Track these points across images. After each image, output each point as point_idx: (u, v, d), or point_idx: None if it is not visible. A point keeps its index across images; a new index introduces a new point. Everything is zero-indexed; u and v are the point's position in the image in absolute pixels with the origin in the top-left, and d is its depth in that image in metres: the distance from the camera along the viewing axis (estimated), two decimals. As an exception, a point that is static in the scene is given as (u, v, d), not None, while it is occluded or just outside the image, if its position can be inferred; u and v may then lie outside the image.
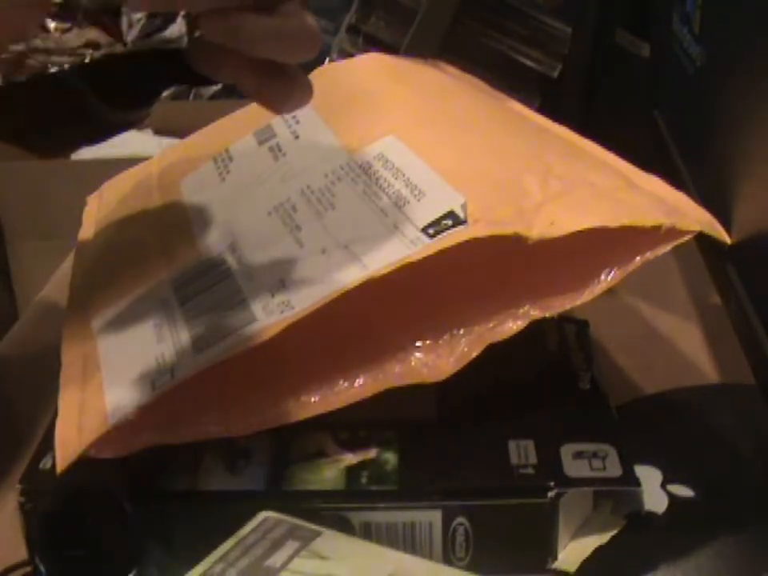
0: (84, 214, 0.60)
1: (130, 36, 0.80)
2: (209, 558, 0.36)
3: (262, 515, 0.39)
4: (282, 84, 0.39)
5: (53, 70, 0.44)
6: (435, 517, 0.41)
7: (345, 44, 0.67)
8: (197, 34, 0.36)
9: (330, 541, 0.37)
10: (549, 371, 0.49)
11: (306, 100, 0.40)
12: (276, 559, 0.36)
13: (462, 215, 0.41)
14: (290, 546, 0.37)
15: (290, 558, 0.36)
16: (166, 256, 0.49)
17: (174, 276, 0.47)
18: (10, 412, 0.53)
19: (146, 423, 0.41)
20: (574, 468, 0.42)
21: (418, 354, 0.43)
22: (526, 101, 0.60)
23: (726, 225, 0.45)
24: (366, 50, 0.64)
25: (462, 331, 0.43)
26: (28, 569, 0.42)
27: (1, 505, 0.46)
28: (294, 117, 0.55)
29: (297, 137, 0.53)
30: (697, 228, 0.43)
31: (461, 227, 0.41)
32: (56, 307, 0.54)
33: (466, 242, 0.40)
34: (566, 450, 0.43)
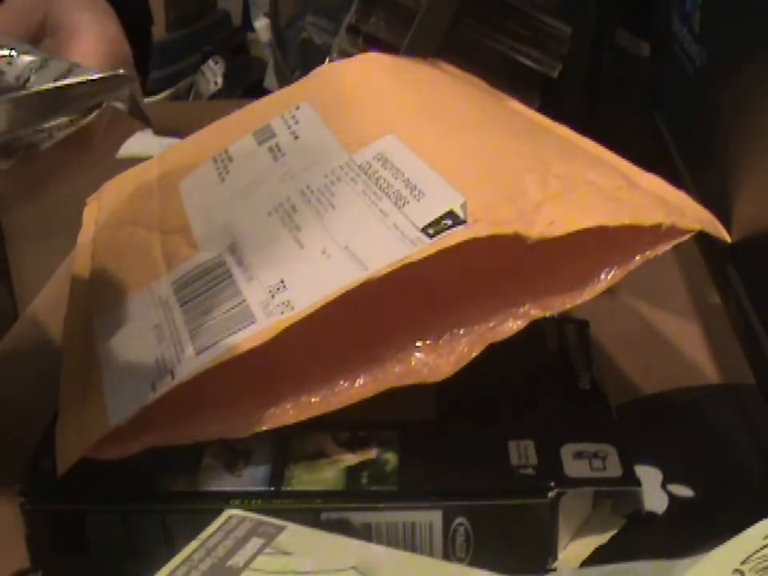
0: (84, 214, 0.60)
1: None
2: (173, 561, 0.36)
3: (227, 513, 0.39)
4: None
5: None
6: (435, 517, 0.41)
7: (345, 44, 0.67)
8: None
9: (295, 535, 0.37)
10: (549, 371, 0.49)
11: None
12: (239, 558, 0.36)
13: (461, 215, 0.41)
14: (254, 543, 0.37)
15: (254, 556, 0.36)
16: (165, 257, 0.49)
17: (173, 277, 0.47)
18: (9, 412, 0.53)
19: (147, 424, 0.41)
20: (574, 468, 0.42)
21: (418, 354, 0.43)
22: (525, 101, 0.60)
23: (726, 225, 0.45)
24: (365, 50, 0.64)
25: (461, 331, 0.43)
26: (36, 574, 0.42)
27: (1, 505, 0.46)
28: (293, 117, 0.55)
29: (296, 137, 0.53)
30: (697, 227, 0.43)
31: (461, 227, 0.41)
32: (56, 307, 0.54)
33: (466, 241, 0.40)
34: (566, 450, 0.43)
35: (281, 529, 0.38)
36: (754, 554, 0.31)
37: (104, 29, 0.41)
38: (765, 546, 0.32)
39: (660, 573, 0.36)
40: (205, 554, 0.36)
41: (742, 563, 0.31)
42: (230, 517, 0.39)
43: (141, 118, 0.38)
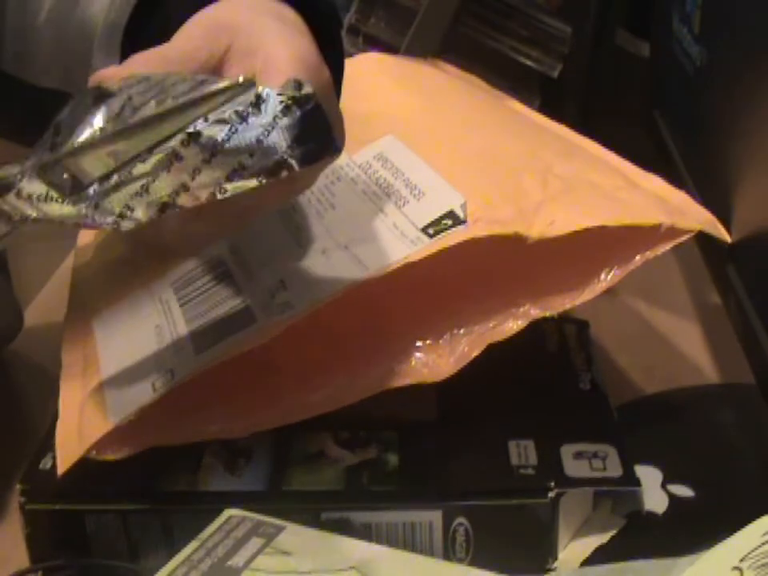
0: (84, 215, 0.60)
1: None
2: (173, 561, 0.36)
3: (227, 513, 0.39)
4: None
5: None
6: (435, 517, 0.41)
7: (345, 44, 0.67)
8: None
9: (294, 535, 0.37)
10: (549, 371, 0.49)
11: None
12: (239, 558, 0.36)
13: (461, 215, 0.41)
14: (254, 543, 0.37)
15: (253, 556, 0.36)
16: (166, 257, 0.49)
17: (174, 277, 0.47)
18: (10, 412, 0.53)
19: (147, 424, 0.41)
20: (574, 468, 0.42)
21: (418, 354, 0.43)
22: (525, 101, 0.60)
23: (726, 225, 0.45)
24: (366, 50, 0.64)
25: (462, 331, 0.43)
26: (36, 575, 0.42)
27: (1, 505, 0.46)
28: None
29: (297, 137, 0.53)
30: (697, 227, 0.43)
31: (460, 227, 0.41)
32: (56, 307, 0.54)
33: (466, 241, 0.40)
34: (566, 450, 0.43)
35: (280, 529, 0.38)
36: (753, 551, 0.31)
37: (301, 55, 0.36)
38: (763, 543, 0.32)
39: (660, 571, 0.36)
40: (205, 553, 0.36)
41: (741, 560, 0.31)
42: (230, 517, 0.39)
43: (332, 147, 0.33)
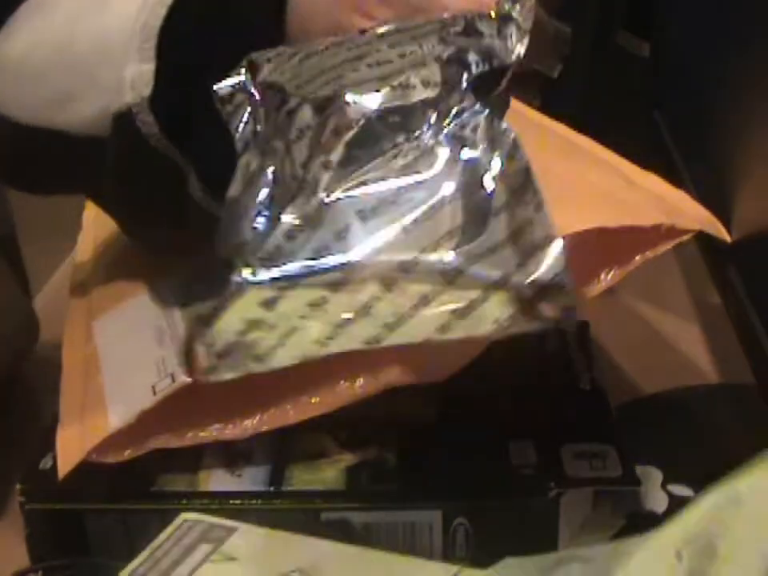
0: (84, 216, 0.60)
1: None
2: (122, 573, 0.35)
3: (181, 518, 0.38)
4: None
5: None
6: (435, 517, 0.41)
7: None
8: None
9: (244, 538, 0.37)
10: (549, 371, 0.49)
11: None
12: (184, 568, 0.35)
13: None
14: (202, 550, 0.36)
15: (199, 564, 0.35)
16: (165, 258, 0.49)
17: (174, 278, 0.47)
18: (10, 412, 0.53)
19: (147, 427, 0.41)
20: (574, 468, 0.42)
21: (417, 354, 0.43)
22: (525, 101, 0.59)
23: (726, 225, 0.45)
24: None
25: (462, 331, 0.43)
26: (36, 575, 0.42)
27: (1, 505, 0.46)
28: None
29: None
30: (697, 226, 0.43)
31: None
32: (56, 308, 0.54)
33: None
34: (566, 450, 0.43)
35: (232, 531, 0.37)
36: (694, 534, 0.31)
37: None
38: (703, 527, 0.31)
39: (606, 557, 0.35)
40: (153, 563, 0.36)
41: (683, 544, 0.31)
42: (184, 521, 0.38)
43: None
